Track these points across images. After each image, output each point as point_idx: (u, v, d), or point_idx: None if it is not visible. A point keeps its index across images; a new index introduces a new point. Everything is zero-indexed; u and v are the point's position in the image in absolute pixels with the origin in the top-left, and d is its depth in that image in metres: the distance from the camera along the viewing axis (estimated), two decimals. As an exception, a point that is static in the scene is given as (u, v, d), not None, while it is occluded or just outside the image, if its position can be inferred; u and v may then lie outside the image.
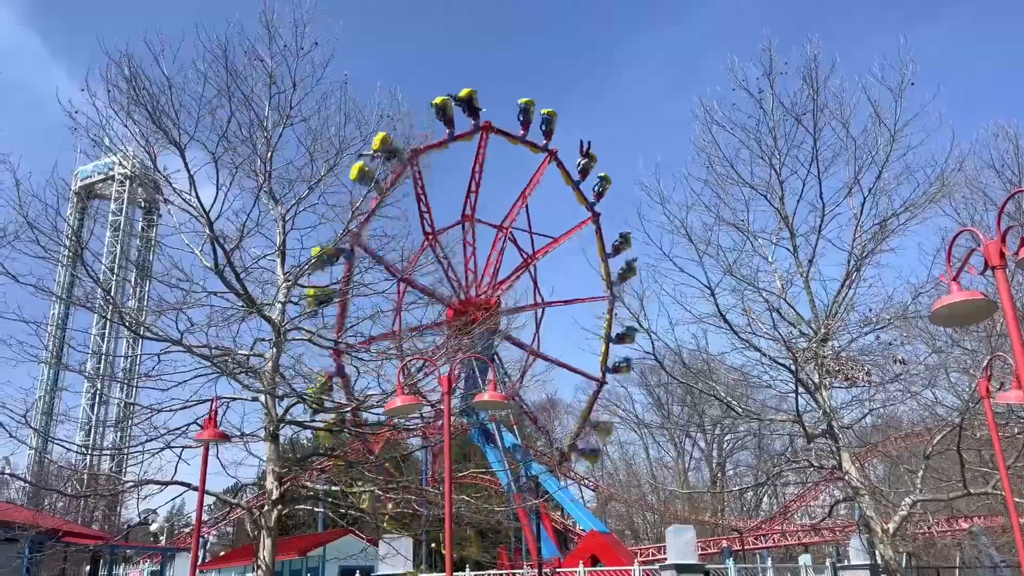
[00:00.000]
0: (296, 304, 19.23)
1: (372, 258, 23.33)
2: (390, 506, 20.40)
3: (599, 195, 47.30)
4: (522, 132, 44.20)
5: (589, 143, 46.36)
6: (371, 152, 24.11)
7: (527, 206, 47.08)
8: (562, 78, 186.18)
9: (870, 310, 20.42)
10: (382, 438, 25.28)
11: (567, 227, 48.82)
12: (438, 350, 20.81)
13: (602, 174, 47.07)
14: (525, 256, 47.46)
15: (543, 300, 48.08)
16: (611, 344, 47.04)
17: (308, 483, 20.32)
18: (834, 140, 20.67)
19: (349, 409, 18.87)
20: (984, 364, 13.72)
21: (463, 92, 41.64)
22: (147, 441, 16.87)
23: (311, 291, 21.09)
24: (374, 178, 25.82)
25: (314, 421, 20.47)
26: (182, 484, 16.69)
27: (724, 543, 53.77)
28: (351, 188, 19.73)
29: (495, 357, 44.26)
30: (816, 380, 19.87)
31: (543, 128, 45.19)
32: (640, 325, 21.47)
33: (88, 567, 39.29)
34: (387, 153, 38.41)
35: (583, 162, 46.39)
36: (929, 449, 19.95)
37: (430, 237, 41.54)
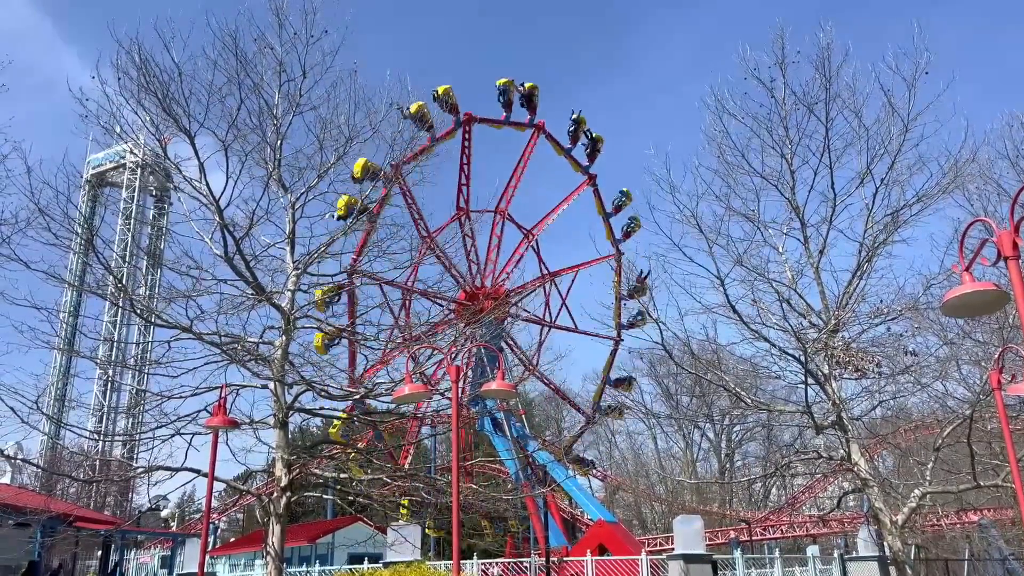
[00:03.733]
0: (306, 292, 19.29)
1: (406, 197, 23.08)
2: (405, 501, 20.47)
3: (592, 155, 46.80)
4: (505, 115, 43.87)
5: (578, 111, 45.92)
6: (354, 178, 23.99)
7: (517, 184, 46.79)
8: (574, 66, 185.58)
9: (881, 301, 20.32)
10: (390, 427, 25.38)
11: (587, 246, 48.78)
12: (447, 339, 20.83)
13: (594, 134, 46.58)
14: (525, 231, 47.32)
15: (549, 272, 47.94)
16: (624, 302, 46.82)
17: (317, 470, 20.39)
18: (846, 130, 20.53)
19: (358, 397, 18.90)
20: (996, 356, 13.64)
21: (528, 84, 41.68)
22: (157, 428, 17.00)
23: (319, 293, 21.14)
24: (430, 122, 25.68)
25: (323, 409, 20.56)
26: (192, 471, 16.80)
27: (732, 534, 53.85)
28: (392, 134, 19.51)
29: (509, 343, 44.31)
30: (826, 371, 19.79)
31: (523, 104, 44.72)
32: (649, 315, 21.42)
33: (99, 552, 39.67)
34: (447, 107, 38.53)
35: (573, 128, 45.93)
36: (939, 441, 19.86)
37: (461, 212, 41.64)
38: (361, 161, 23.28)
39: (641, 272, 40.82)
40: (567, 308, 47.45)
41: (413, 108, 36.74)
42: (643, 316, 47.05)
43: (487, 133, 44.07)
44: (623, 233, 47.29)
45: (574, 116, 45.05)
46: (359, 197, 21.98)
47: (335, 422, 26.27)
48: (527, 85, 44.23)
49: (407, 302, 36.72)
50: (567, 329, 47.63)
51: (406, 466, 25.01)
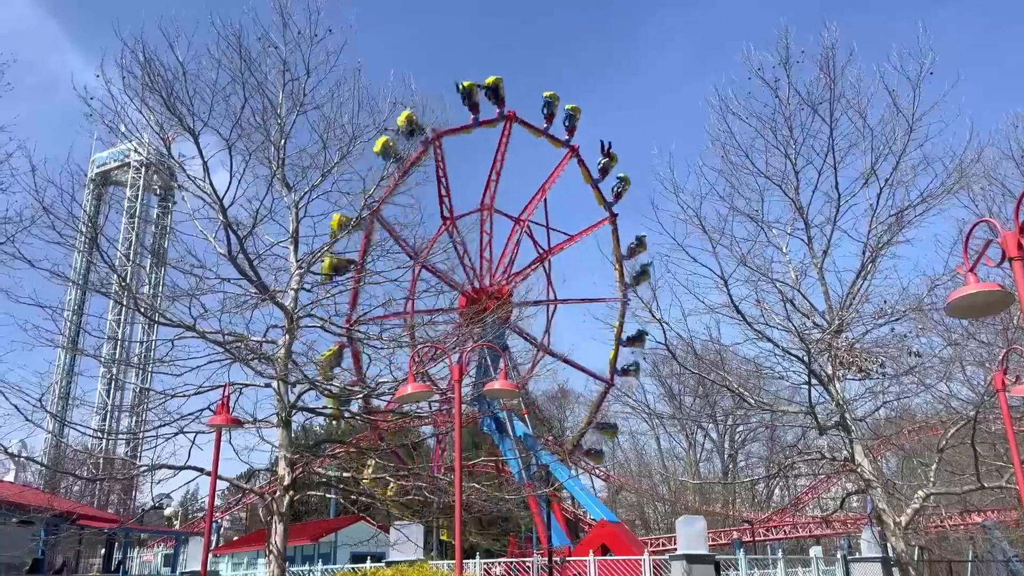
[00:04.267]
0: (309, 291, 19.31)
1: (389, 234, 23.30)
2: (392, 485, 20.45)
3: (618, 196, 47.29)
4: (545, 125, 44.16)
5: (610, 144, 46.33)
6: (396, 128, 24.00)
7: (546, 200, 47.11)
8: (579, 63, 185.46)
9: (885, 302, 20.27)
10: (392, 426, 25.39)
11: (582, 223, 49.04)
12: (449, 338, 20.83)
13: (622, 175, 47.09)
14: (541, 251, 47.48)
15: (556, 297, 48.10)
16: (621, 346, 47.10)
17: (320, 469, 20.43)
18: (851, 130, 20.46)
19: (361, 395, 18.92)
20: (1000, 357, 13.60)
21: (490, 79, 41.63)
22: (161, 426, 17.02)
23: (328, 260, 21.17)
24: (397, 154, 25.80)
25: (326, 408, 20.58)
26: (195, 469, 16.82)
27: (735, 534, 53.75)
28: (364, 176, 19.70)
29: (507, 347, 44.33)
30: (829, 372, 19.75)
31: (566, 124, 45.15)
32: (652, 315, 21.39)
33: (103, 550, 39.72)
34: (411, 130, 38.69)
35: (603, 161, 46.39)
36: (943, 442, 19.80)
37: (448, 222, 41.56)
38: (406, 112, 23.37)
39: (603, 143, 41.24)
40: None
41: (465, 84, 37.29)
42: (637, 367, 47.72)
43: (515, 134, 44.06)
44: (614, 195, 47.40)
45: (547, 96, 44.95)
46: (392, 143, 21.81)
47: (326, 352, 26.23)
48: (570, 106, 44.65)
49: (414, 282, 36.63)
50: (561, 358, 47.87)
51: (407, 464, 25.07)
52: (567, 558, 29.02)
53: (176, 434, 16.79)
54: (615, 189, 47.24)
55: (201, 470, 16.77)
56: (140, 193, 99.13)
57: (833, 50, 19.96)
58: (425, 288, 26.92)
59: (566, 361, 48.02)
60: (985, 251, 7.87)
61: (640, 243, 46.30)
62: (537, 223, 47.42)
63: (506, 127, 43.18)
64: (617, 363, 48.17)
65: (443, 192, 41.72)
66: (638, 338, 45.25)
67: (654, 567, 22.87)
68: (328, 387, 19.05)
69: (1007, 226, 7.28)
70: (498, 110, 42.89)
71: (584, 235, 48.16)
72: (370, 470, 19.85)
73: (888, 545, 21.80)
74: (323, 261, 20.70)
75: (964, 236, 8.44)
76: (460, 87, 41.39)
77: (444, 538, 41.55)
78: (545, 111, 44.35)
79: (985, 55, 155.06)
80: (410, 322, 20.49)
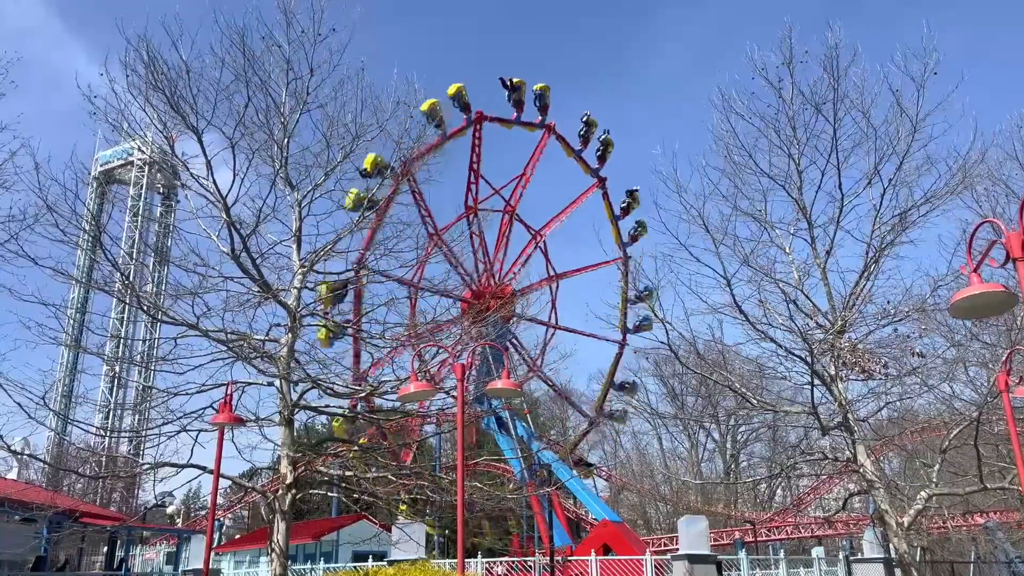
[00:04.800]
0: (312, 290, 19.31)
1: (415, 198, 23.20)
2: (403, 507, 20.55)
3: (602, 158, 46.78)
4: (516, 114, 43.86)
5: (588, 113, 46.00)
6: (364, 173, 23.95)
7: (527, 184, 46.75)
8: (579, 64, 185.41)
9: (888, 302, 20.22)
10: (394, 426, 25.43)
11: (572, 199, 48.50)
12: (452, 337, 20.84)
13: (603, 136, 46.49)
14: (533, 232, 47.30)
15: (556, 273, 47.90)
16: (629, 305, 46.74)
17: (322, 468, 20.43)
18: (854, 130, 20.40)
19: (364, 395, 18.92)
20: (1003, 358, 13.59)
21: (451, 89, 41.41)
22: (164, 424, 17.03)
23: (324, 287, 21.17)
24: (441, 119, 25.64)
25: (329, 407, 20.59)
26: (198, 467, 16.83)
27: (737, 534, 53.79)
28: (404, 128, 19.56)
29: (513, 341, 44.32)
30: (832, 372, 19.72)
31: (537, 104, 44.74)
32: (655, 314, 21.38)
33: (105, 548, 39.79)
34: (460, 105, 38.69)
35: (584, 130, 45.95)
36: (946, 443, 19.77)
37: (435, 238, 41.56)
38: (371, 156, 23.32)
39: (645, 289, 41.05)
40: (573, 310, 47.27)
41: (424, 106, 36.76)
42: (649, 320, 47.06)
43: (496, 132, 44.16)
44: (630, 237, 47.27)
45: (585, 118, 45.03)
46: (366, 192, 22.05)
47: (337, 419, 26.26)
48: (538, 86, 44.28)
49: (413, 299, 36.81)
50: (573, 331, 47.69)
51: (408, 463, 25.02)
52: (569, 557, 29.02)
53: (179, 432, 16.81)
54: (598, 152, 46.84)
55: (203, 468, 16.79)
56: (143, 191, 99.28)
57: (837, 50, 19.92)
58: (424, 308, 26.90)
59: (576, 332, 47.74)
60: (989, 252, 7.86)
61: (632, 198, 46.08)
62: (526, 216, 47.41)
63: (476, 129, 43.11)
64: (628, 322, 47.76)
65: (424, 214, 41.69)
66: (648, 293, 44.74)
67: (656, 567, 22.88)
68: (331, 385, 19.03)
69: (1011, 227, 7.27)
70: (540, 117, 43.09)
71: (575, 206, 47.87)
72: (338, 424, 19.62)
73: (890, 546, 21.76)
74: (324, 263, 20.72)
75: (968, 237, 8.44)
76: (509, 82, 41.48)
77: (430, 531, 41.34)
78: (582, 132, 44.41)
79: (989, 56, 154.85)
80: (413, 327, 20.43)
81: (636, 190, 45.92)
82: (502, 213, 46.15)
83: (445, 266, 38.93)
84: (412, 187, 36.70)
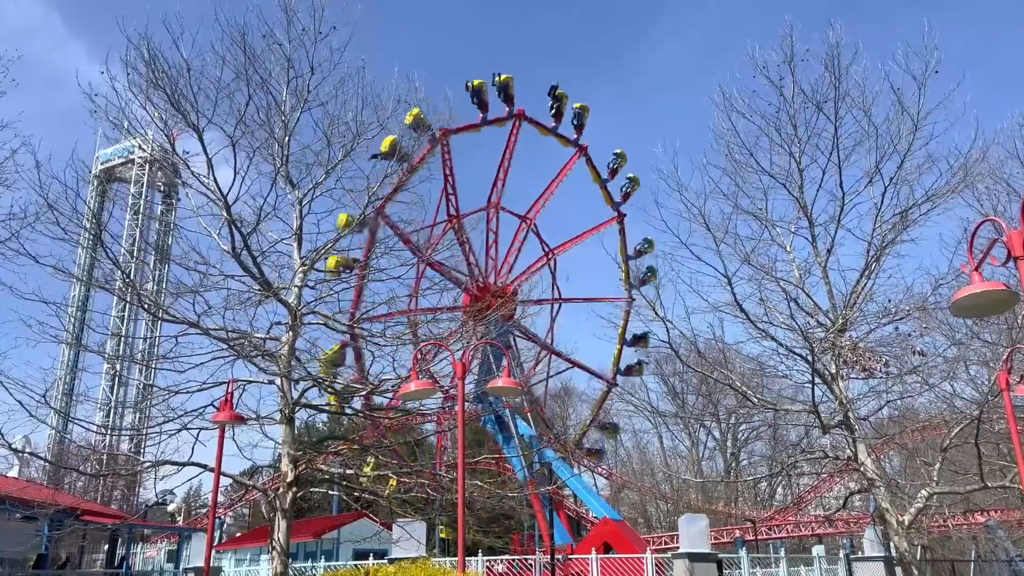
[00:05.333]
0: (312, 288, 19.32)
1: (394, 232, 23.34)
2: (392, 483, 20.50)
3: (626, 196, 47.19)
4: (554, 124, 43.99)
5: (556, 86, 45.80)
6: (403, 126, 23.89)
7: (506, 176, 46.66)
8: (583, 60, 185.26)
9: (889, 301, 20.23)
10: (395, 423, 25.43)
11: (588, 222, 48.90)
12: (453, 335, 20.84)
13: (631, 175, 46.89)
14: (547, 249, 47.34)
15: (560, 296, 48.00)
16: (625, 346, 47.02)
17: (323, 466, 20.44)
18: (855, 128, 20.42)
19: (364, 392, 18.92)
20: (1004, 356, 13.58)
21: (501, 77, 41.47)
22: (164, 422, 17.02)
23: (333, 260, 21.19)
24: (404, 154, 25.74)
25: (329, 405, 20.60)
26: (199, 465, 16.85)
27: (737, 533, 53.79)
28: (368, 174, 19.70)
29: (511, 344, 44.32)
30: (833, 371, 19.72)
31: (574, 122, 44.99)
32: (656, 313, 21.39)
33: (106, 546, 39.81)
34: (419, 128, 38.66)
35: (613, 162, 46.30)
36: (946, 442, 19.77)
37: (453, 220, 41.45)
38: (414, 110, 23.40)
39: (647, 237, 41.26)
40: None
41: (475, 83, 37.09)
42: (641, 365, 47.56)
43: (466, 138, 43.64)
44: (622, 195, 47.24)
45: (555, 91, 44.55)
46: (399, 146, 21.91)
47: (329, 351, 26.18)
48: (501, 77, 43.85)
49: (418, 280, 36.62)
50: (564, 358, 47.87)
51: (402, 455, 25.14)
52: (569, 556, 29.02)
53: (179, 430, 16.81)
54: (624, 189, 47.16)
55: (204, 466, 16.80)
56: (144, 190, 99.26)
57: (838, 48, 19.93)
58: (428, 286, 26.95)
59: (569, 360, 48.08)
60: (990, 250, 7.85)
61: (648, 244, 46.17)
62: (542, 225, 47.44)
63: (515, 126, 43.11)
64: (620, 363, 48.10)
65: (449, 191, 41.62)
66: (642, 338, 45.32)
67: (656, 565, 22.88)
68: (331, 384, 19.05)
69: (1012, 225, 7.27)
70: (507, 109, 42.79)
71: (591, 234, 48.04)
72: (370, 468, 19.88)
73: (891, 544, 21.78)
74: (327, 259, 20.72)
75: (969, 235, 8.43)
76: (470, 85, 41.28)
77: (444, 536, 41.56)
78: (553, 109, 44.17)
79: (991, 54, 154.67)
80: (414, 320, 20.44)
81: (652, 240, 45.77)
82: (521, 219, 46.19)
83: (451, 256, 38.83)
84: (444, 155, 36.72)
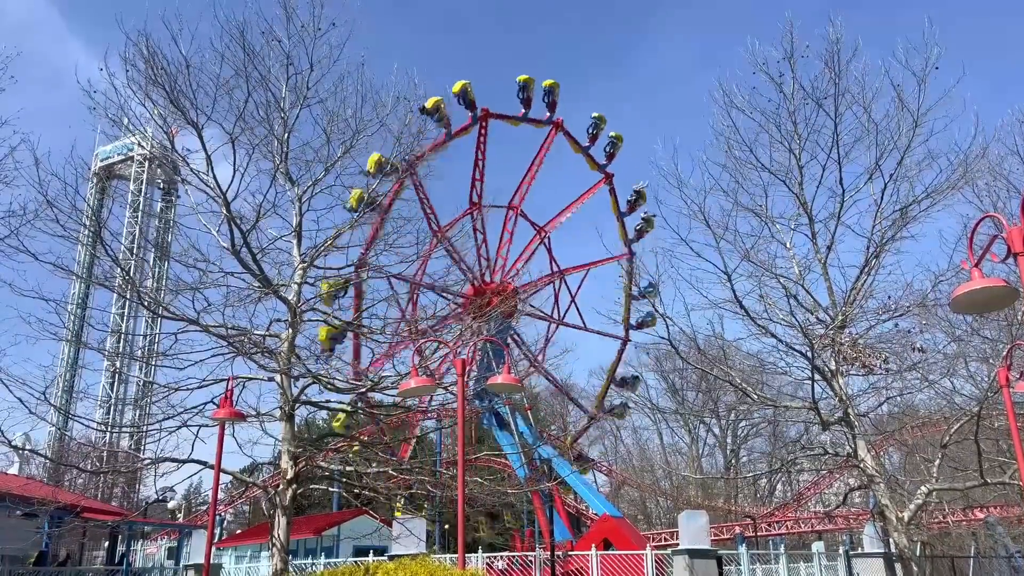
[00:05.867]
0: (312, 285, 19.32)
1: (419, 195, 23.14)
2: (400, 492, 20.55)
3: (610, 155, 46.41)
4: (523, 111, 43.62)
5: (600, 115, 45.86)
6: (368, 174, 23.91)
7: (532, 181, 46.53)
8: (584, 55, 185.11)
9: (889, 297, 20.21)
10: (394, 421, 25.46)
11: (578, 195, 48.11)
12: (453, 333, 20.85)
13: (613, 133, 46.20)
14: (537, 228, 47.13)
15: (560, 269, 47.71)
16: (633, 301, 46.50)
17: (323, 463, 20.46)
18: (855, 125, 20.38)
19: (364, 390, 18.94)
20: (1004, 353, 13.59)
21: (456, 86, 41.17)
22: (164, 419, 17.04)
23: (325, 286, 21.18)
24: (445, 118, 25.58)
25: (329, 402, 20.61)
26: (199, 462, 16.86)
27: (737, 529, 53.87)
28: (406, 124, 19.54)
29: (515, 336, 44.24)
30: (832, 367, 19.72)
31: (546, 101, 44.52)
32: (656, 310, 21.38)
33: (106, 543, 39.86)
34: (464, 99, 38.51)
35: (593, 127, 45.63)
36: (946, 438, 19.78)
37: (474, 207, 41.46)
38: (375, 156, 23.36)
39: (649, 285, 40.99)
40: (576, 307, 47.34)
41: (429, 103, 36.60)
42: (653, 316, 46.87)
43: (502, 129, 43.83)
44: (636, 233, 47.01)
45: (595, 116, 44.81)
46: (368, 190, 22.08)
47: (339, 415, 26.30)
48: (547, 82, 44.06)
49: (414, 296, 36.79)
50: (575, 327, 47.57)
51: (407, 459, 25.06)
52: (569, 552, 29.06)
53: (179, 427, 16.82)
54: (607, 149, 46.13)
55: (204, 463, 16.82)
56: (143, 187, 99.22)
57: (838, 45, 19.88)
58: (425, 304, 26.87)
59: (579, 327, 47.57)
60: (990, 246, 7.85)
61: (640, 195, 45.54)
62: (530, 211, 47.10)
63: (482, 126, 42.93)
64: (632, 319, 47.54)
65: (477, 176, 41.58)
66: (649, 291, 44.51)
67: (656, 562, 22.91)
68: (332, 380, 19.04)
69: (1012, 222, 7.26)
70: (548, 114, 42.93)
71: (581, 201, 47.52)
72: (339, 423, 19.68)
73: (890, 541, 21.80)
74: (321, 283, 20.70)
75: (969, 232, 8.42)
76: (520, 79, 41.37)
77: (429, 527, 41.41)
78: (521, 96, 43.87)
79: (991, 50, 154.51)
80: (413, 322, 20.46)
81: (644, 186, 45.53)
82: (506, 209, 45.97)
83: (446, 262, 38.80)
84: (416, 184, 36.67)
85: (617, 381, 49.59)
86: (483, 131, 42.35)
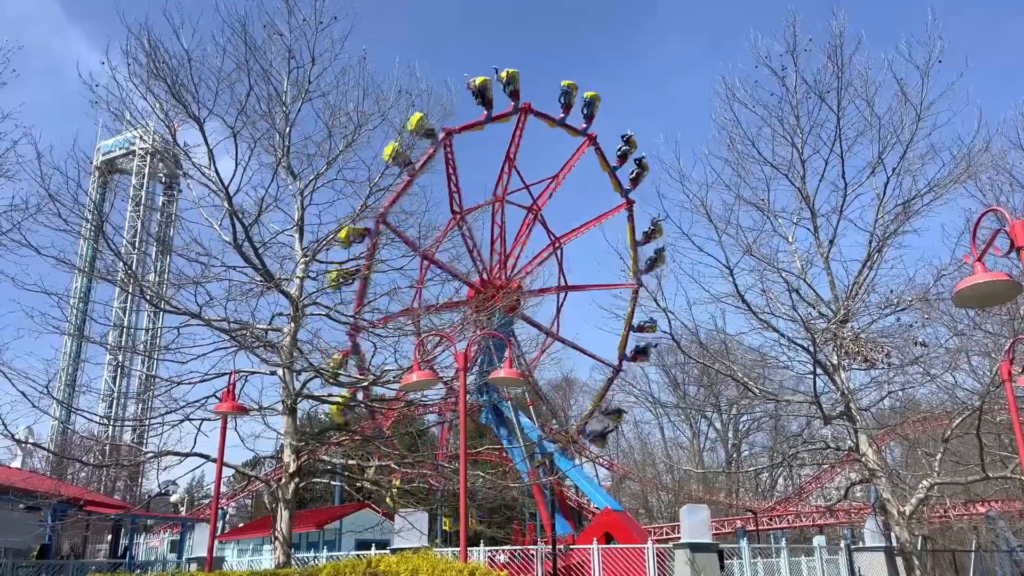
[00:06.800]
0: (314, 279, 19.35)
1: (396, 235, 23.44)
2: (396, 481, 20.58)
3: (635, 182, 46.67)
4: (562, 115, 43.61)
5: (632, 134, 45.87)
6: (407, 131, 23.90)
7: (555, 189, 46.60)
8: (586, 49, 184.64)
9: (891, 291, 20.19)
10: (394, 414, 25.49)
11: (595, 212, 48.25)
12: (455, 327, 20.86)
13: (640, 158, 46.25)
14: (553, 238, 47.12)
15: (567, 284, 47.79)
16: (632, 332, 46.75)
17: (325, 457, 20.53)
18: (858, 118, 20.34)
19: (366, 384, 18.96)
20: (1006, 347, 13.57)
21: (508, 72, 41.13)
22: (167, 413, 17.11)
23: (333, 274, 21.23)
24: (408, 160, 25.84)
25: (331, 396, 20.64)
26: (201, 456, 16.91)
27: (738, 523, 53.97)
28: (370, 165, 19.72)
29: (512, 335, 44.21)
30: (834, 361, 19.72)
31: (584, 112, 44.60)
32: (658, 304, 21.38)
33: (109, 536, 40.01)
34: (422, 133, 38.49)
35: (623, 148, 45.82)
36: (948, 432, 19.78)
37: (457, 216, 41.29)
38: (416, 116, 23.54)
39: (654, 218, 41.10)
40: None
41: (478, 80, 36.94)
42: (654, 322, 47.03)
43: (530, 125, 43.41)
44: (630, 181, 46.87)
45: (565, 85, 44.37)
46: (399, 143, 22.08)
47: (332, 407, 26.33)
48: (589, 93, 44.13)
49: (422, 276, 36.58)
50: (570, 344, 47.73)
51: (387, 428, 25.15)
52: (571, 546, 29.10)
53: (182, 421, 16.88)
54: (632, 175, 46.60)
55: (207, 457, 16.86)
56: (145, 181, 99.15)
57: (841, 38, 19.84)
58: (431, 278, 26.93)
59: (574, 347, 47.81)
60: (993, 240, 7.84)
61: (656, 228, 45.52)
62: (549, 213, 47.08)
63: (520, 119, 42.83)
64: (626, 349, 47.73)
65: (453, 188, 41.42)
66: (648, 325, 44.84)
67: (658, 556, 22.93)
68: (334, 374, 19.08)
69: (1015, 215, 7.25)
70: (513, 103, 42.66)
71: (599, 222, 47.67)
72: (372, 470, 19.96)
73: (892, 535, 21.82)
74: (328, 272, 20.77)
75: (972, 225, 8.40)
76: (472, 84, 40.96)
77: (447, 528, 41.63)
78: (563, 100, 43.79)
79: (995, 44, 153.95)
80: (416, 316, 20.44)
81: (660, 220, 45.28)
82: (527, 210, 45.93)
83: (455, 252, 38.77)
84: (448, 155, 36.73)
85: (603, 409, 49.90)
86: (521, 124, 42.29)
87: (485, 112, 41.32)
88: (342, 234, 21.14)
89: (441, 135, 38.66)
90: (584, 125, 44.77)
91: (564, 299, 48.06)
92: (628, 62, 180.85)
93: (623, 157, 45.98)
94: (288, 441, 16.96)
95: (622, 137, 46.05)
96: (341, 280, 22.08)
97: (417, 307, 21.62)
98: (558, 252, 47.48)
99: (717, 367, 22.79)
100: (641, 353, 48.66)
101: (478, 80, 40.62)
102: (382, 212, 22.90)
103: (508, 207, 44.82)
